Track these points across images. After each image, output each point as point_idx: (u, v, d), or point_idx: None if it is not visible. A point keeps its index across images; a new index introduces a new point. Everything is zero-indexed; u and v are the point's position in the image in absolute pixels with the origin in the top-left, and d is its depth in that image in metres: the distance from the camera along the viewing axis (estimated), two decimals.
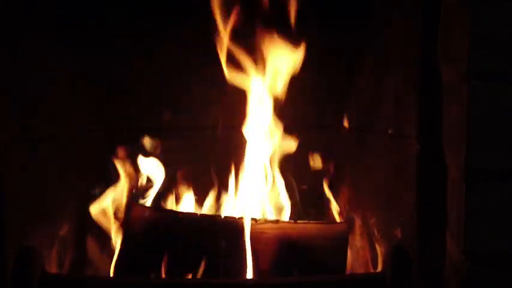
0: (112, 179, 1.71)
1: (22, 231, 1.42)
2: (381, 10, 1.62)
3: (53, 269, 1.54)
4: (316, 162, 1.77)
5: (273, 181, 1.70)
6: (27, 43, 1.47)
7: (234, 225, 1.54)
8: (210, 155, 1.77)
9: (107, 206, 1.65)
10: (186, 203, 1.74)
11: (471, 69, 1.14)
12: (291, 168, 1.73)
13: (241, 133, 1.68)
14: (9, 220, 1.36)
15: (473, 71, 1.14)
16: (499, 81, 1.14)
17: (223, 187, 1.71)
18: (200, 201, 1.75)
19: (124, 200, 1.65)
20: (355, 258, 1.67)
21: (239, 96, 1.67)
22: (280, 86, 1.66)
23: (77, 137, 1.71)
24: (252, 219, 1.57)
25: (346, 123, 1.78)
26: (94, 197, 1.68)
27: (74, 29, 1.66)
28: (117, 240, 1.63)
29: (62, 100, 1.64)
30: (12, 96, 1.39)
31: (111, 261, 1.62)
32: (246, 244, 1.52)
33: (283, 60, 1.65)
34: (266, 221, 1.59)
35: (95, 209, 1.65)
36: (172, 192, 1.75)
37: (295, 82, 1.67)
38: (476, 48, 1.14)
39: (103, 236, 1.68)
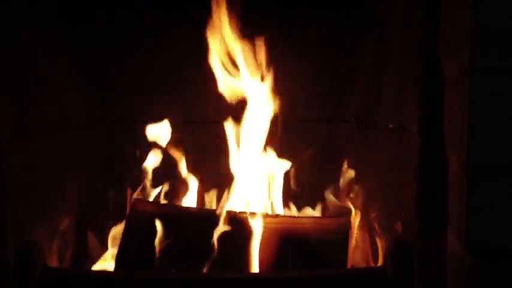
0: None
1: (23, 226, 1.43)
2: (382, 2, 1.61)
3: (53, 262, 1.54)
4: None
5: (274, 176, 1.70)
6: (28, 40, 1.47)
7: (236, 220, 1.55)
8: (211, 150, 1.76)
9: None
10: (188, 197, 1.75)
11: (472, 63, 1.13)
12: (292, 162, 1.72)
13: (242, 128, 1.68)
14: (10, 215, 1.37)
15: (474, 66, 1.13)
16: (501, 75, 1.13)
17: (224, 181, 1.71)
18: (202, 195, 1.75)
19: None
20: (355, 252, 1.67)
21: (240, 92, 1.67)
22: (280, 81, 1.66)
23: (77, 133, 1.71)
24: (253, 213, 1.57)
25: (347, 117, 1.78)
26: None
27: (74, 24, 1.65)
28: (119, 235, 1.63)
29: (62, 97, 1.64)
30: (12, 93, 1.39)
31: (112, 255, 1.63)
32: (249, 238, 1.52)
33: (282, 54, 1.65)
34: (267, 216, 1.59)
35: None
36: (174, 187, 1.75)
37: (296, 76, 1.67)
38: (478, 42, 1.13)
39: (104, 230, 1.69)
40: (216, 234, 1.52)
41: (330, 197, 1.71)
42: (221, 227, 1.54)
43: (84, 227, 1.72)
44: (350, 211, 1.65)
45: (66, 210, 1.67)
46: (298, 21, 1.68)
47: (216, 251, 1.51)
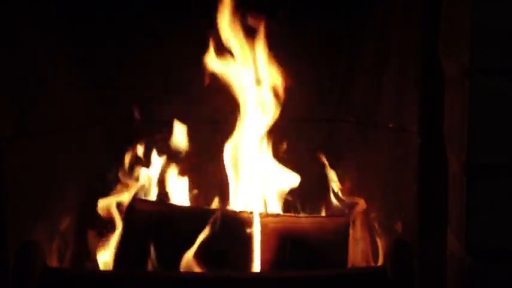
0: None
1: (23, 226, 1.43)
2: (382, 2, 1.61)
3: (53, 262, 1.54)
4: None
5: (274, 174, 1.70)
6: (28, 40, 1.47)
7: (236, 219, 1.55)
8: (211, 149, 1.76)
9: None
10: (187, 196, 1.75)
11: (472, 63, 1.13)
12: (292, 161, 1.72)
13: (242, 127, 1.68)
14: (10, 215, 1.37)
15: (474, 66, 1.13)
16: (501, 75, 1.13)
17: (224, 180, 1.71)
18: (202, 194, 1.75)
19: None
20: (355, 252, 1.67)
21: (239, 90, 1.67)
22: (280, 79, 1.66)
23: (77, 133, 1.71)
24: (252, 212, 1.57)
25: (347, 117, 1.78)
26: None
27: (74, 24, 1.65)
28: (118, 234, 1.63)
29: (62, 97, 1.64)
30: (12, 93, 1.39)
31: (112, 254, 1.63)
32: (249, 237, 1.53)
33: (282, 53, 1.65)
34: (267, 215, 1.59)
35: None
36: (173, 186, 1.75)
37: (296, 75, 1.67)
38: (478, 42, 1.13)
39: (103, 230, 1.68)
40: (216, 234, 1.52)
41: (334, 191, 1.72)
42: (221, 227, 1.54)
43: (84, 227, 1.71)
44: (355, 204, 1.65)
45: (66, 210, 1.67)
46: (298, 21, 1.68)
47: (216, 250, 1.51)
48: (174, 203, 1.70)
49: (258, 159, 1.69)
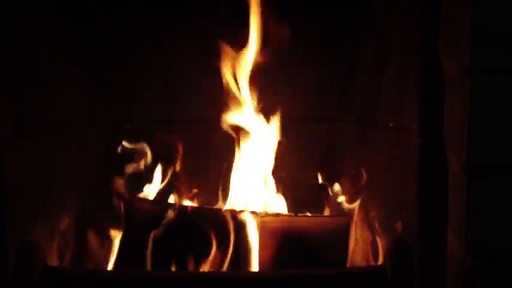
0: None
1: (23, 226, 1.43)
2: (382, 2, 1.61)
3: (53, 262, 1.54)
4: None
5: (274, 174, 1.71)
6: (28, 40, 1.47)
7: (237, 218, 1.55)
8: (210, 148, 1.77)
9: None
10: (187, 196, 1.75)
11: (472, 63, 1.13)
12: (292, 161, 1.72)
13: (242, 126, 1.68)
14: (10, 215, 1.37)
15: (474, 66, 1.13)
16: (501, 75, 1.13)
17: (224, 180, 1.71)
18: (202, 194, 1.75)
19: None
20: (355, 252, 1.67)
21: (238, 90, 1.67)
22: (280, 78, 1.66)
23: (77, 133, 1.71)
24: (253, 212, 1.57)
25: (347, 117, 1.78)
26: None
27: (74, 24, 1.65)
28: (118, 233, 1.64)
29: (62, 97, 1.64)
30: (12, 93, 1.40)
31: (112, 254, 1.63)
32: (249, 237, 1.53)
33: (283, 52, 1.65)
34: (267, 214, 1.59)
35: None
36: (174, 186, 1.75)
37: (296, 75, 1.67)
38: (478, 42, 1.13)
39: (104, 229, 1.69)
40: (216, 233, 1.53)
41: (332, 195, 1.72)
42: (221, 226, 1.54)
43: (84, 227, 1.72)
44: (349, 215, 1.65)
45: (66, 210, 1.67)
46: (298, 21, 1.68)
47: (215, 249, 1.51)
48: (172, 203, 1.70)
49: (258, 159, 1.69)
